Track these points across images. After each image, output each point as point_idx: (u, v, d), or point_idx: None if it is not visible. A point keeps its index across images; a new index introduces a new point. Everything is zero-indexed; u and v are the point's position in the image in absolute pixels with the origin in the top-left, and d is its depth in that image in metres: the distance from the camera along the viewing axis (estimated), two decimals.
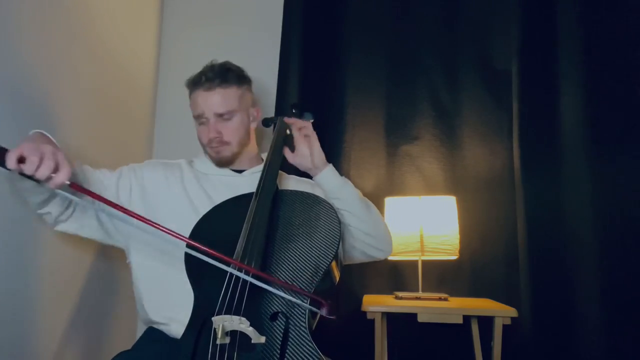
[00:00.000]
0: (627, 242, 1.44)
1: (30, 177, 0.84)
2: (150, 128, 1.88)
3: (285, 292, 0.89)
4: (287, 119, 1.29)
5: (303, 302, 0.89)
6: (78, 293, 1.37)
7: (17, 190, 1.06)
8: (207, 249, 0.85)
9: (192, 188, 1.19)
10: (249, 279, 0.87)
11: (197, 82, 1.21)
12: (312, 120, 1.34)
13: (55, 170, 0.85)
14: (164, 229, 0.84)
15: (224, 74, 1.20)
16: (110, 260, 1.52)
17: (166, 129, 1.90)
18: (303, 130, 1.22)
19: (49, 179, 0.84)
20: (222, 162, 1.24)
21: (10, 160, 0.82)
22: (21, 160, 0.83)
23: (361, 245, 1.21)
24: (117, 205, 0.88)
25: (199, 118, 1.22)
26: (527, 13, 1.66)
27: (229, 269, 0.88)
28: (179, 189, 1.19)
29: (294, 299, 0.89)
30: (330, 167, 1.22)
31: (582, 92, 1.54)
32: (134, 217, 0.86)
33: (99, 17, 1.48)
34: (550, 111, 1.59)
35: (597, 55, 1.55)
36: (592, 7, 1.58)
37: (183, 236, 0.86)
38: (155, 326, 1.10)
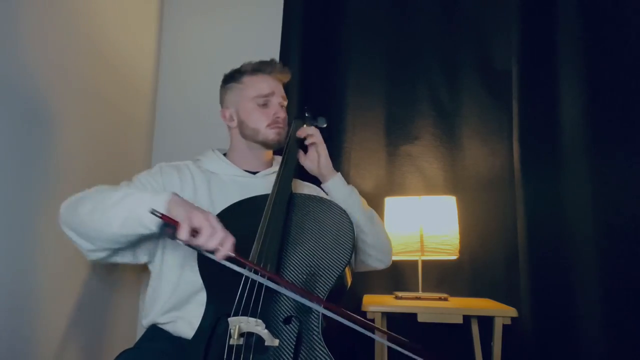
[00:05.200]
0: (628, 241, 1.44)
1: (195, 247, 0.87)
2: (150, 128, 1.88)
3: (300, 298, 0.88)
4: (299, 132, 1.29)
5: (318, 308, 0.88)
6: (78, 293, 1.37)
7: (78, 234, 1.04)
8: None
9: (201, 190, 1.19)
10: (268, 282, 0.87)
11: (270, 65, 1.29)
12: (325, 125, 1.35)
13: (222, 242, 0.86)
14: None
15: (287, 74, 1.33)
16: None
17: (166, 129, 1.90)
18: (310, 139, 1.23)
19: (216, 250, 0.86)
20: (276, 144, 1.26)
21: (184, 233, 0.85)
22: (192, 232, 0.85)
23: (362, 256, 1.23)
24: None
25: (264, 98, 1.25)
26: (527, 13, 1.66)
27: (245, 272, 0.88)
28: (190, 192, 1.18)
29: (307, 304, 0.88)
30: (338, 176, 1.23)
31: (582, 92, 1.54)
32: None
33: (98, 17, 1.48)
34: (550, 111, 1.59)
35: (597, 55, 1.55)
36: (592, 7, 1.58)
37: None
38: (159, 325, 1.11)
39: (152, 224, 0.91)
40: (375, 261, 1.25)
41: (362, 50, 1.81)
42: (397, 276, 1.69)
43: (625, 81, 1.52)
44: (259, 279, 0.89)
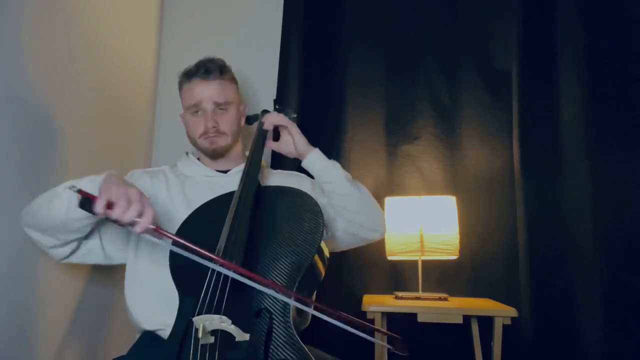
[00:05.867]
0: (628, 241, 1.44)
1: (115, 221, 0.84)
2: (150, 128, 1.88)
3: (269, 290, 0.88)
4: (263, 120, 1.29)
5: (289, 298, 0.88)
6: (78, 295, 1.37)
7: (34, 234, 1.07)
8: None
9: (176, 194, 1.19)
10: (231, 274, 0.86)
11: (194, 73, 1.23)
12: (295, 115, 1.35)
13: (140, 214, 0.84)
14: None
15: (222, 67, 1.25)
16: (109, 266, 1.51)
17: (166, 129, 1.90)
18: (278, 122, 1.24)
19: (134, 223, 0.83)
20: (216, 153, 1.24)
21: (100, 206, 0.82)
22: (109, 205, 0.83)
23: (353, 228, 1.21)
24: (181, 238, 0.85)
25: (194, 108, 1.22)
26: (527, 13, 1.66)
27: (212, 265, 0.86)
28: (164, 196, 1.18)
29: (278, 296, 0.88)
30: (316, 151, 1.23)
31: (582, 92, 1.54)
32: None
33: (98, 17, 1.48)
34: (550, 111, 1.59)
35: (597, 55, 1.55)
36: (592, 6, 1.58)
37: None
38: (153, 332, 1.10)
39: (74, 201, 0.90)
40: (368, 231, 1.23)
41: (361, 49, 1.81)
42: (397, 276, 1.69)
43: (625, 81, 1.52)
44: (219, 268, 0.87)
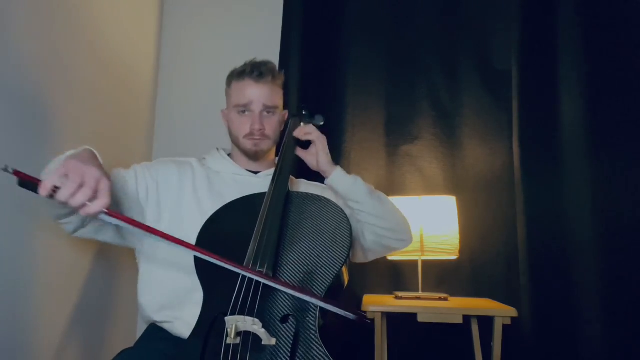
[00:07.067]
0: (627, 241, 1.44)
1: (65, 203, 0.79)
2: (150, 128, 1.88)
3: (300, 295, 0.89)
4: (295, 132, 1.29)
5: (315, 305, 0.90)
6: (77, 292, 1.37)
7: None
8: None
9: (202, 187, 1.19)
10: (264, 281, 0.88)
11: (248, 72, 1.23)
12: (322, 123, 1.34)
13: (93, 198, 0.79)
14: (192, 247, 0.85)
15: (275, 72, 1.25)
16: (110, 260, 1.52)
17: (166, 129, 1.90)
18: (308, 136, 1.23)
19: (83, 206, 0.78)
20: (257, 156, 1.25)
21: (44, 190, 0.76)
22: (56, 188, 0.77)
23: (384, 240, 1.21)
24: (153, 229, 0.84)
25: (243, 107, 1.22)
26: (527, 13, 1.66)
27: (243, 272, 0.88)
28: (189, 188, 1.18)
29: (309, 300, 0.89)
30: (339, 169, 1.23)
31: (582, 92, 1.54)
32: (166, 238, 0.84)
33: (98, 16, 1.48)
34: (550, 111, 1.59)
35: (596, 55, 1.55)
36: (592, 7, 1.58)
37: (205, 251, 0.86)
38: (158, 324, 1.10)
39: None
40: (396, 242, 1.23)
41: (362, 50, 1.81)
42: (397, 276, 1.69)
43: (626, 81, 1.52)
44: (253, 276, 0.88)
